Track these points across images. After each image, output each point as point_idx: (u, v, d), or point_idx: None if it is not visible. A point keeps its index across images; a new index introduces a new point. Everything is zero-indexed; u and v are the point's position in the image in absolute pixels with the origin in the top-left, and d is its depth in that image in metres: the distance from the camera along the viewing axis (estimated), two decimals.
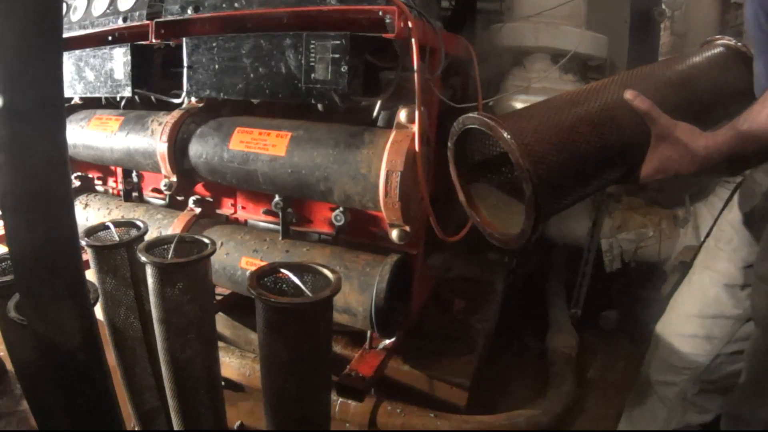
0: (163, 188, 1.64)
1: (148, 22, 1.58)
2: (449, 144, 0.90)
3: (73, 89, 1.86)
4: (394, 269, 1.31)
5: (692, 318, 1.18)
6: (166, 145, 1.54)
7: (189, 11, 1.47)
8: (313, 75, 1.28)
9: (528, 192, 0.76)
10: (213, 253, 1.02)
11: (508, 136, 0.76)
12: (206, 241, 1.07)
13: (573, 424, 1.61)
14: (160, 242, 1.07)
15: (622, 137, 0.82)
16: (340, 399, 1.41)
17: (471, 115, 0.84)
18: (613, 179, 0.86)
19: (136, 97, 1.74)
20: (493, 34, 1.83)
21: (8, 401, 1.42)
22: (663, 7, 2.38)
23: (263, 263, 1.20)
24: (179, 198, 1.80)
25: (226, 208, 1.74)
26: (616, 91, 0.84)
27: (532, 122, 0.80)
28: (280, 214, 1.50)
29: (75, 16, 1.83)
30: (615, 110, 0.83)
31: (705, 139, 0.79)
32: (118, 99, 1.86)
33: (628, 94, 0.83)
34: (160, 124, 1.61)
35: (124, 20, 1.68)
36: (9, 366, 1.52)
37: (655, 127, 0.81)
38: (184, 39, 1.47)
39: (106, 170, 2.04)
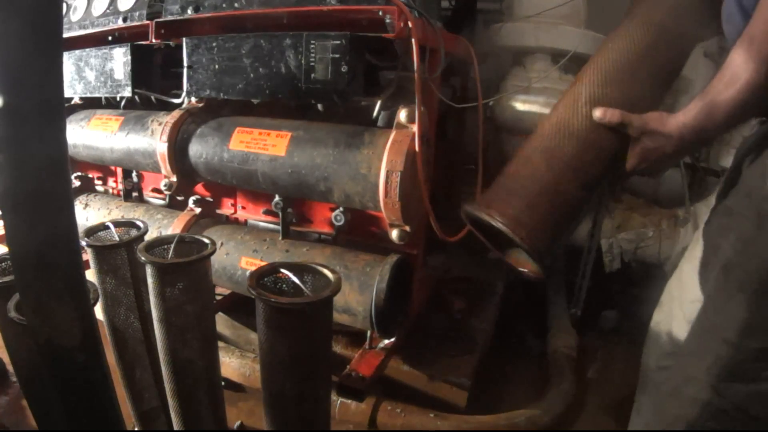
0: (163, 188, 1.64)
1: (148, 22, 1.58)
2: (468, 226, 1.03)
3: (73, 89, 1.86)
4: (394, 269, 1.31)
5: (682, 303, 1.17)
6: (166, 145, 1.54)
7: (189, 11, 1.47)
8: (313, 75, 1.28)
9: (534, 258, 0.88)
10: (213, 253, 1.02)
11: (506, 229, 0.88)
12: (206, 241, 1.07)
13: (573, 424, 1.61)
14: (160, 242, 1.07)
15: (603, 160, 0.89)
16: (340, 399, 1.41)
17: (469, 209, 0.94)
18: (602, 189, 0.94)
19: (136, 97, 1.74)
20: (493, 34, 1.83)
21: (8, 401, 1.42)
22: None
23: (263, 263, 1.20)
24: (179, 198, 1.80)
25: (226, 208, 1.74)
26: (586, 114, 0.90)
27: (522, 199, 0.91)
28: (280, 214, 1.50)
29: (75, 16, 1.83)
30: (590, 139, 0.89)
31: (675, 120, 0.84)
32: (118, 99, 1.86)
33: (598, 113, 0.89)
34: (160, 124, 1.61)
35: (124, 20, 1.68)
36: (9, 366, 1.52)
37: (629, 128, 0.87)
38: (184, 39, 1.47)
39: (106, 170, 2.04)
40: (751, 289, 0.80)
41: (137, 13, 1.64)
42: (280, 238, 1.51)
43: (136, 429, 1.27)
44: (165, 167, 1.58)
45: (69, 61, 1.81)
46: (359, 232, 1.50)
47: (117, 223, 1.19)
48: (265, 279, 0.98)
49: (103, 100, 1.93)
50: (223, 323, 1.79)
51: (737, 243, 0.84)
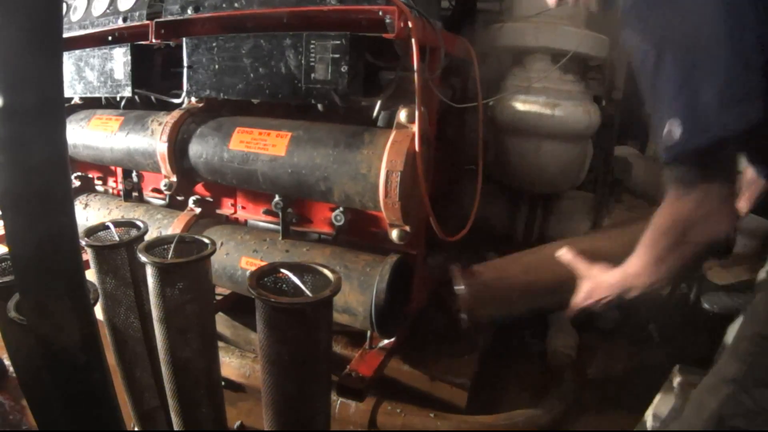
0: (163, 188, 1.64)
1: (148, 22, 1.58)
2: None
3: (73, 89, 1.86)
4: (394, 269, 1.31)
5: None
6: (166, 145, 1.54)
7: (189, 11, 1.47)
8: (313, 75, 1.28)
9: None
10: (213, 253, 1.02)
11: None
12: (206, 241, 1.07)
13: (573, 424, 1.61)
14: (160, 242, 1.07)
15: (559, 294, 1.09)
16: (340, 399, 1.41)
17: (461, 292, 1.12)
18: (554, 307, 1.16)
19: (136, 97, 1.74)
20: (493, 34, 1.83)
21: (8, 401, 1.42)
22: None
23: (263, 263, 1.20)
24: (179, 198, 1.80)
25: (226, 208, 1.74)
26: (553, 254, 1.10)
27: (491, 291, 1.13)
28: (280, 214, 1.49)
29: (75, 16, 1.83)
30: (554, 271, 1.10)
31: (611, 275, 0.98)
32: (118, 99, 1.86)
33: (561, 250, 1.08)
34: (160, 124, 1.61)
35: (124, 20, 1.68)
36: (9, 366, 1.52)
37: (576, 271, 1.05)
38: (184, 39, 1.47)
39: (106, 170, 2.04)
40: None
41: (137, 13, 1.64)
42: (280, 238, 1.51)
43: (136, 429, 1.27)
44: (165, 167, 1.58)
45: (69, 61, 1.81)
46: (359, 232, 1.50)
47: (117, 223, 1.19)
48: (265, 279, 0.98)
49: (103, 100, 1.93)
50: (223, 323, 1.79)
51: None
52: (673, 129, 0.73)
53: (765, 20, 0.69)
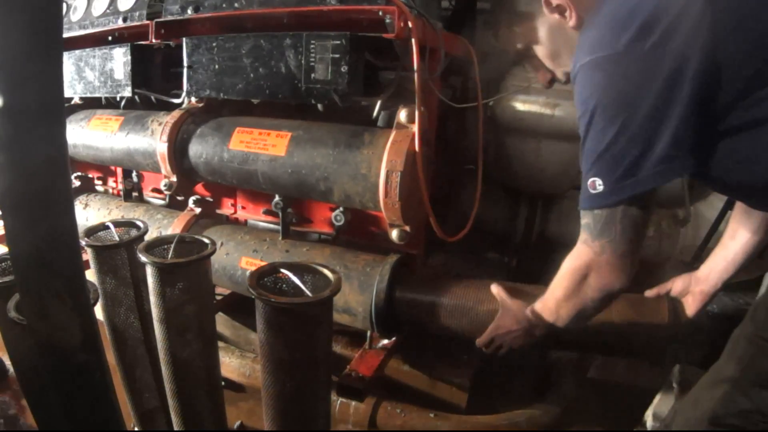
0: (163, 188, 1.64)
1: (148, 22, 1.58)
2: None
3: (73, 89, 1.86)
4: (394, 269, 1.31)
5: None
6: (166, 145, 1.54)
7: (189, 11, 1.47)
8: (313, 75, 1.28)
9: None
10: (213, 253, 1.02)
11: None
12: (206, 241, 1.07)
13: (573, 424, 1.61)
14: (160, 242, 1.07)
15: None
16: (340, 399, 1.41)
17: None
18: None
19: (136, 97, 1.74)
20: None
21: (8, 401, 1.42)
22: None
23: (263, 263, 1.20)
24: (179, 198, 1.80)
25: (226, 208, 1.74)
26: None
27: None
28: (280, 214, 1.49)
29: (75, 16, 1.83)
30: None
31: (521, 310, 1.10)
32: (118, 99, 1.86)
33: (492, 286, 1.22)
34: (160, 124, 1.60)
35: (124, 20, 1.68)
36: (9, 366, 1.52)
37: (499, 302, 1.19)
38: (184, 39, 1.47)
39: (106, 170, 2.04)
40: None
41: (137, 13, 1.64)
42: (280, 238, 1.51)
43: (136, 429, 1.27)
44: (165, 167, 1.58)
45: (69, 61, 1.81)
46: (359, 232, 1.50)
47: (117, 223, 1.19)
48: (265, 279, 0.98)
49: (103, 100, 1.93)
50: (223, 323, 1.79)
51: None
52: (595, 182, 0.82)
53: (697, 91, 0.74)
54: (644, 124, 0.76)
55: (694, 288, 1.15)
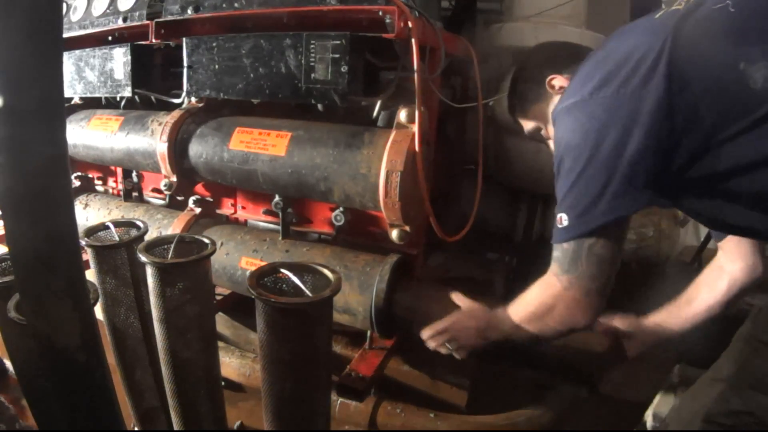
0: (163, 188, 1.64)
1: (148, 22, 1.58)
2: None
3: (73, 89, 1.86)
4: (394, 269, 1.31)
5: None
6: (166, 145, 1.54)
7: (189, 11, 1.47)
8: (313, 75, 1.28)
9: None
10: (213, 253, 1.02)
11: None
12: (206, 241, 1.07)
13: (573, 424, 1.61)
14: (160, 242, 1.07)
15: None
16: (340, 399, 1.41)
17: None
18: None
19: (136, 97, 1.74)
20: (493, 34, 1.83)
21: (8, 401, 1.42)
22: (663, 7, 2.37)
23: (263, 263, 1.20)
24: (179, 198, 1.80)
25: (226, 208, 1.74)
26: None
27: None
28: (280, 214, 1.49)
29: (75, 16, 1.83)
30: None
31: (482, 310, 1.14)
32: (118, 99, 1.86)
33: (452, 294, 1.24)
34: (160, 124, 1.60)
35: (124, 20, 1.68)
36: (9, 366, 1.52)
37: (460, 303, 1.21)
38: (184, 39, 1.47)
39: (106, 170, 2.04)
40: None
41: (137, 13, 1.64)
42: (280, 238, 1.51)
43: (136, 429, 1.27)
44: (165, 167, 1.58)
45: (69, 61, 1.81)
46: (359, 232, 1.50)
47: (117, 223, 1.19)
48: (265, 279, 0.97)
49: (103, 100, 1.93)
50: (223, 323, 1.79)
51: None
52: (561, 218, 0.89)
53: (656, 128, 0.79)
54: (604, 163, 0.82)
55: (637, 334, 1.18)
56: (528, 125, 1.16)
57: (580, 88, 0.88)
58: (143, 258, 0.97)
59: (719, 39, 0.76)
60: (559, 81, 1.05)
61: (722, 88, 0.75)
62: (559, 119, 0.92)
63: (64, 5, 1.83)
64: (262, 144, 1.41)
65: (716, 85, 0.75)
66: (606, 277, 0.89)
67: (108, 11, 1.73)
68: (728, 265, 1.10)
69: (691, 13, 0.80)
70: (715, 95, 0.75)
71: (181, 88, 1.55)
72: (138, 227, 1.18)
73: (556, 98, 1.05)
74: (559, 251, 0.92)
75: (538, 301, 0.98)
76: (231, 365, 1.61)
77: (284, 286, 0.98)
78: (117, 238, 1.14)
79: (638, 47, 0.82)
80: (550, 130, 1.08)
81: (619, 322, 1.18)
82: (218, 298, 1.79)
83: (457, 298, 1.23)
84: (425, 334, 1.18)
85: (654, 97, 0.77)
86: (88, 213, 1.90)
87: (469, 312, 1.17)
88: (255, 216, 1.67)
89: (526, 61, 1.17)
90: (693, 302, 1.13)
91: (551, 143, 1.09)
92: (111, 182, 2.05)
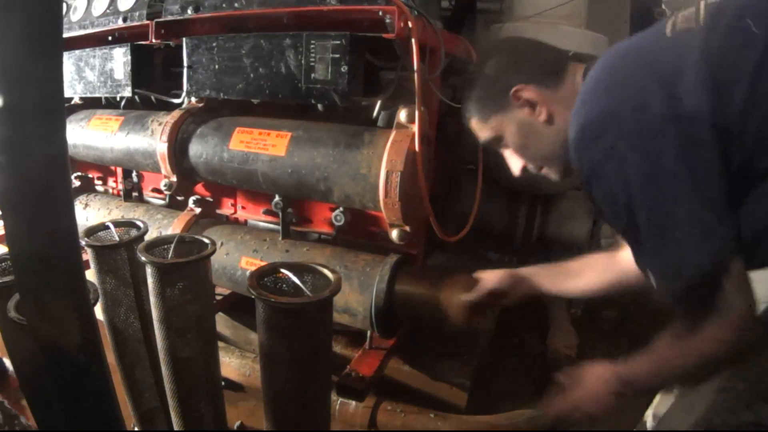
0: (163, 188, 1.64)
1: (148, 22, 1.58)
2: None
3: (73, 89, 1.86)
4: (394, 269, 1.31)
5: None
6: (166, 145, 1.54)
7: (189, 11, 1.47)
8: (313, 75, 1.28)
9: None
10: (213, 253, 1.02)
11: None
12: (206, 241, 1.07)
13: (573, 424, 1.61)
14: (160, 242, 1.07)
15: None
16: (340, 399, 1.41)
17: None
18: None
19: (136, 97, 1.74)
20: (493, 34, 1.83)
21: (8, 401, 1.42)
22: (663, 7, 2.38)
23: (263, 263, 1.20)
24: (179, 198, 1.80)
25: (226, 208, 1.74)
26: None
27: None
28: (280, 214, 1.49)
29: (75, 16, 1.83)
30: None
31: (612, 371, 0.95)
32: (118, 99, 1.86)
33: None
34: (160, 124, 1.60)
35: (124, 20, 1.68)
36: (9, 366, 1.52)
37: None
38: (184, 39, 1.47)
39: (106, 170, 2.04)
40: None
41: (137, 13, 1.64)
42: (280, 238, 1.51)
43: (136, 429, 1.27)
44: (165, 167, 1.58)
45: (69, 61, 1.81)
46: (359, 232, 1.50)
47: (117, 223, 1.19)
48: (265, 279, 0.98)
49: (103, 100, 1.93)
50: (223, 323, 1.79)
51: None
52: (650, 278, 0.78)
53: (721, 155, 0.71)
54: (684, 205, 0.72)
55: (514, 287, 1.17)
56: (484, 134, 1.03)
57: (617, 116, 0.76)
58: (143, 258, 0.97)
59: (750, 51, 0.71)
60: (527, 94, 0.93)
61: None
62: (600, 157, 0.78)
63: (64, 5, 1.83)
64: (262, 144, 1.41)
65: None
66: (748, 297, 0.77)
67: (108, 11, 1.73)
68: (628, 262, 1.07)
69: (715, 30, 0.75)
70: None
71: (181, 88, 1.55)
72: (138, 227, 1.18)
73: (522, 111, 0.95)
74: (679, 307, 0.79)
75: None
76: (231, 365, 1.61)
77: (284, 286, 0.98)
78: (117, 238, 1.14)
79: (666, 68, 0.75)
80: (511, 140, 0.99)
81: (494, 279, 1.18)
82: (218, 298, 1.79)
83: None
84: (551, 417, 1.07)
85: (706, 112, 0.71)
86: (88, 213, 1.90)
87: (595, 378, 0.98)
88: (255, 216, 1.67)
89: (487, 61, 1.03)
90: (578, 278, 1.13)
91: (509, 154, 1.03)
92: (111, 182, 2.05)
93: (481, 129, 1.03)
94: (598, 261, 1.13)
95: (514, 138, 0.99)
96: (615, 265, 1.09)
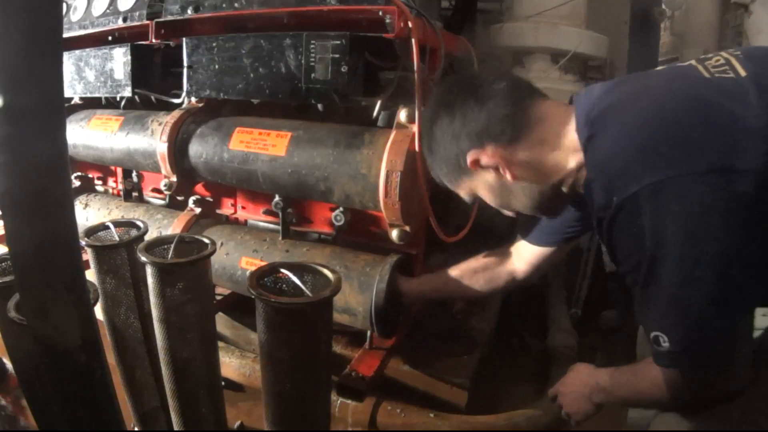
0: (163, 188, 1.64)
1: (148, 22, 1.58)
2: None
3: (73, 89, 1.86)
4: (394, 269, 1.31)
5: None
6: (166, 145, 1.54)
7: (189, 11, 1.47)
8: (313, 75, 1.28)
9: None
10: (213, 253, 1.02)
11: None
12: (206, 241, 1.07)
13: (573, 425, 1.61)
14: (160, 242, 1.07)
15: None
16: (340, 399, 1.41)
17: None
18: None
19: (136, 97, 1.74)
20: (493, 34, 1.83)
21: (8, 401, 1.42)
22: (663, 7, 2.38)
23: (263, 263, 1.20)
24: (179, 198, 1.80)
25: (226, 208, 1.74)
26: None
27: None
28: (280, 214, 1.49)
29: (75, 16, 1.83)
30: None
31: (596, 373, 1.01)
32: (118, 99, 1.86)
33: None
34: (160, 124, 1.60)
35: (124, 20, 1.68)
36: (9, 366, 1.52)
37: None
38: (184, 39, 1.47)
39: (106, 170, 2.04)
40: None
41: (137, 13, 1.64)
42: (280, 238, 1.51)
43: (136, 429, 1.27)
44: (165, 167, 1.58)
45: (69, 61, 1.81)
46: (359, 232, 1.49)
47: (117, 223, 1.19)
48: (265, 279, 0.98)
49: (103, 100, 1.93)
50: (223, 323, 1.79)
51: None
52: (660, 339, 0.75)
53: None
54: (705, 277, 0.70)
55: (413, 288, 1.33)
56: (460, 193, 1.00)
57: (652, 166, 0.69)
58: (143, 258, 0.97)
59: None
60: (485, 159, 0.86)
61: None
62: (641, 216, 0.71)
63: (64, 5, 1.83)
64: (262, 144, 1.41)
65: None
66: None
67: (108, 11, 1.73)
68: (517, 263, 1.21)
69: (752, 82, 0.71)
70: None
71: (181, 88, 1.55)
72: (138, 227, 1.18)
73: (487, 174, 0.89)
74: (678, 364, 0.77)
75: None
76: (231, 365, 1.61)
77: (284, 286, 0.98)
78: (117, 238, 1.14)
79: (709, 115, 0.69)
80: (487, 200, 0.97)
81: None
82: (218, 298, 1.79)
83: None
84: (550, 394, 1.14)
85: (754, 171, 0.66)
86: (88, 213, 1.90)
87: (578, 376, 1.05)
88: (255, 216, 1.67)
89: (436, 117, 0.92)
90: (471, 278, 1.25)
91: (497, 207, 0.99)
92: (111, 182, 2.05)
93: (455, 189, 1.00)
94: (491, 262, 1.25)
95: (489, 199, 0.96)
96: (507, 264, 1.22)
